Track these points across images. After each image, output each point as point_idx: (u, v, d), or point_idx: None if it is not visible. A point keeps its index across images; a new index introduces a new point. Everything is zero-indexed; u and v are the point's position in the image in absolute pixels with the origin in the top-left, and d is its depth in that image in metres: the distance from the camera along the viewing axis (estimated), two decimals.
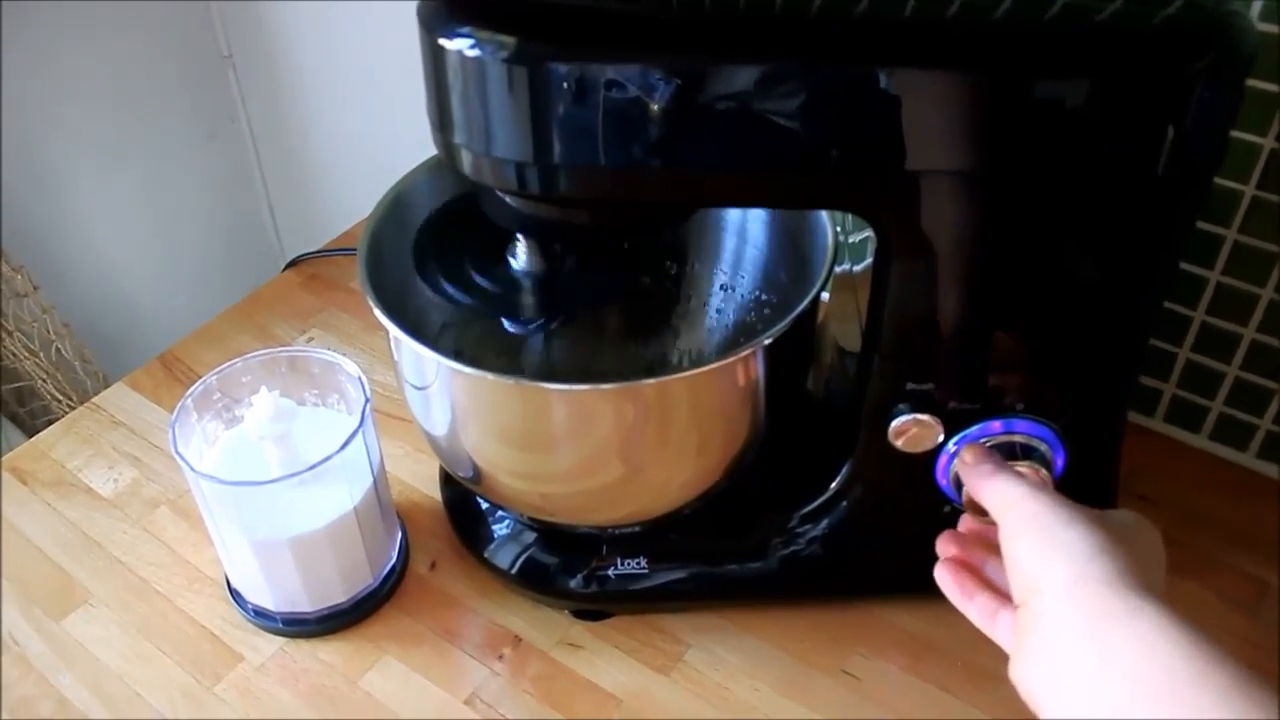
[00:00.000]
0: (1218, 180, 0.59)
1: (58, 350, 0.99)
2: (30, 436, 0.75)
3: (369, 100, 1.03)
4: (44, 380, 0.98)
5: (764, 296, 0.64)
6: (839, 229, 0.56)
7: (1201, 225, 0.61)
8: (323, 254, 0.88)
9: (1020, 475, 0.46)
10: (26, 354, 0.96)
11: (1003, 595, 0.45)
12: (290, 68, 1.07)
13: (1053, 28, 0.42)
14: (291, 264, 0.88)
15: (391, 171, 0.60)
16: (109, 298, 1.11)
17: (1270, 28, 0.54)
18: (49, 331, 0.98)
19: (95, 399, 0.75)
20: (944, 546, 0.49)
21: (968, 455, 0.49)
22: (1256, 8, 0.54)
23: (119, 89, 1.04)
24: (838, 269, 0.56)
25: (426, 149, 0.58)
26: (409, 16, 0.96)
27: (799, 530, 0.57)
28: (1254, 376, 0.64)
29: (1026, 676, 0.40)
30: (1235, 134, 0.57)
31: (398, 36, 0.95)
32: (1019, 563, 0.42)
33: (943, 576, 0.48)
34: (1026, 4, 0.42)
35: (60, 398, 0.99)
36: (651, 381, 0.48)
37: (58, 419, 0.82)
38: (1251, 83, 0.55)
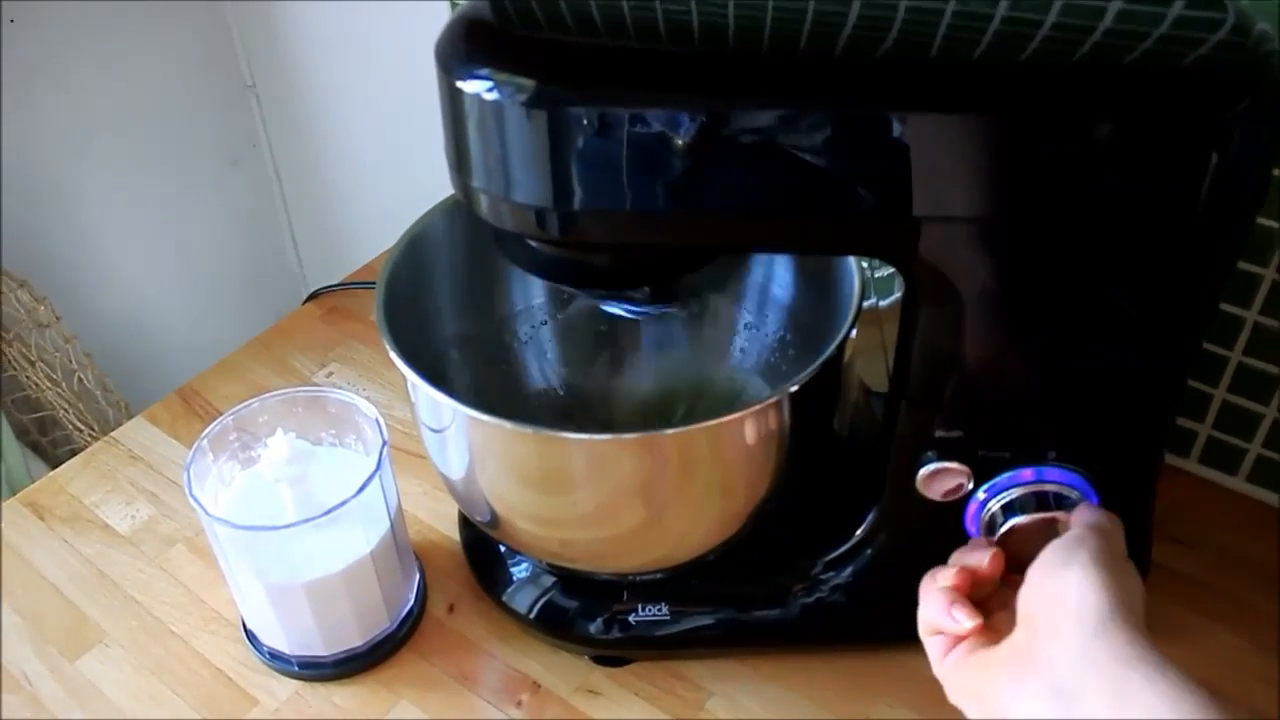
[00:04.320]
0: (1256, 220, 0.57)
1: (79, 380, 0.99)
2: (52, 466, 0.75)
3: (392, 130, 1.03)
4: (65, 410, 0.98)
5: (789, 336, 0.63)
6: (865, 265, 0.54)
7: (1240, 265, 0.59)
8: (344, 287, 0.87)
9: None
10: (49, 384, 0.96)
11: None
12: (313, 97, 1.07)
13: (1084, 69, 0.41)
14: (312, 296, 0.87)
15: (414, 201, 0.60)
16: (131, 327, 1.11)
17: None
18: (71, 361, 0.98)
19: (114, 433, 0.75)
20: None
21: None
22: None
23: (142, 119, 1.04)
24: (864, 304, 0.55)
25: (449, 180, 0.57)
26: (426, 46, 0.96)
27: (823, 577, 0.56)
28: None
29: (995, 685, 0.42)
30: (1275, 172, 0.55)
31: (421, 67, 0.95)
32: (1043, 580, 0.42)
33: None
34: (1054, 44, 0.41)
35: (81, 427, 0.99)
36: (673, 432, 0.47)
37: (79, 448, 0.82)
38: None
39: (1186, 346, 0.48)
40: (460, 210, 0.58)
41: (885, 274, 0.59)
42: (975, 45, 0.41)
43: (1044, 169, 0.41)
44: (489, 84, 0.41)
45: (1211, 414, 0.65)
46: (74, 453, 0.75)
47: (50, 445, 1.02)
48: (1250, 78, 0.40)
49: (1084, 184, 0.41)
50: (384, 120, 1.03)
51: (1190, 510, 0.65)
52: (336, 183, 1.14)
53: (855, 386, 0.60)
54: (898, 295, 0.49)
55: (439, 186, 0.57)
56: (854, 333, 0.51)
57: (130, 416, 0.78)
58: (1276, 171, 0.55)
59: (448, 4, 0.86)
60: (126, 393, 1.05)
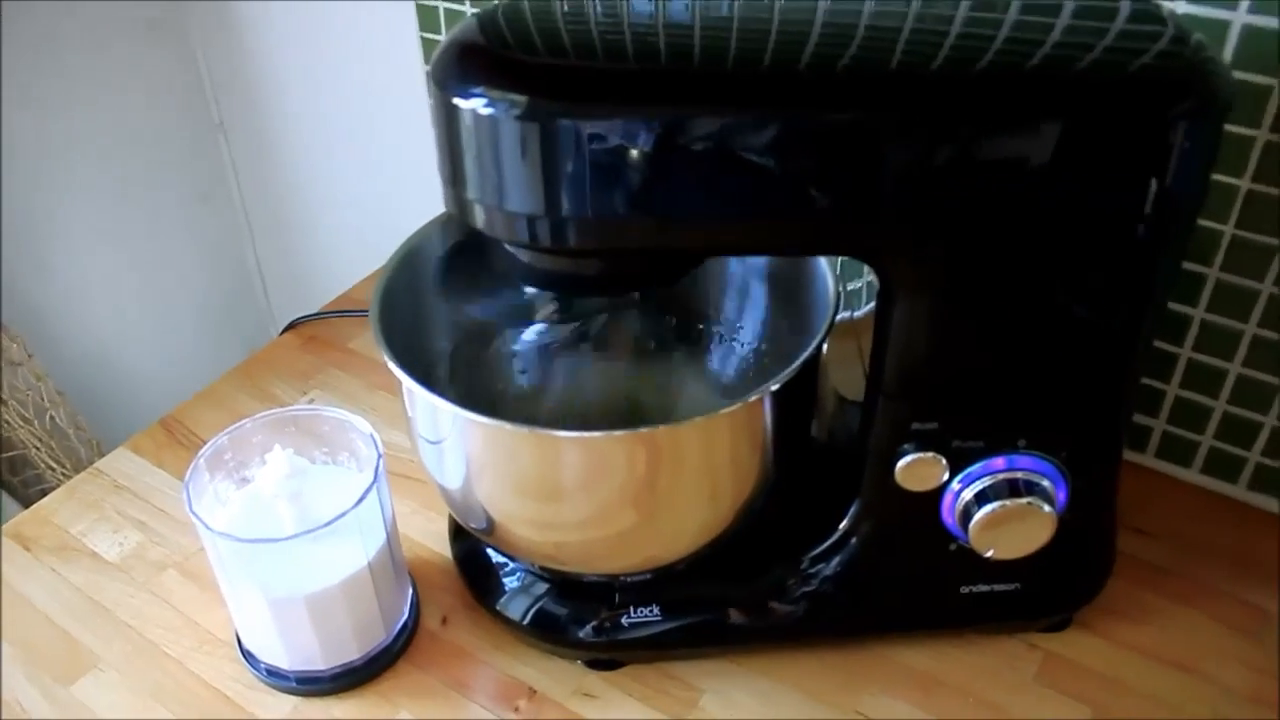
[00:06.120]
0: (1199, 221, 0.61)
1: (52, 418, 0.99)
2: (24, 505, 0.74)
3: (358, 167, 1.05)
4: (38, 449, 0.98)
5: (764, 348, 0.65)
6: (839, 277, 0.57)
7: (1185, 265, 0.63)
8: (321, 316, 0.89)
9: None
10: (21, 422, 0.96)
11: None
12: (280, 135, 1.09)
13: (1037, 77, 0.44)
14: (290, 326, 0.88)
15: (380, 237, 0.62)
16: (101, 364, 1.11)
17: (1243, 75, 0.56)
18: (43, 399, 0.98)
19: (98, 464, 0.75)
20: None
21: None
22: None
23: (111, 156, 1.05)
24: (839, 316, 0.57)
25: (416, 215, 0.60)
26: (400, 86, 0.98)
27: (811, 570, 0.58)
28: (1241, 410, 0.66)
29: None
30: (1214, 176, 0.59)
31: (388, 105, 0.98)
32: None
33: None
34: (1007, 55, 0.44)
35: (54, 466, 0.99)
36: (663, 428, 0.49)
37: (51, 487, 0.82)
38: (1228, 127, 0.57)
39: (1141, 337, 0.51)
40: (451, 226, 0.60)
41: (855, 287, 0.61)
42: (933, 58, 0.44)
43: (1002, 171, 0.44)
44: (484, 100, 0.43)
45: (1165, 409, 0.69)
46: (44, 493, 0.75)
47: (21, 485, 1.02)
48: (1191, 81, 0.44)
49: (1039, 186, 0.44)
50: (351, 158, 1.05)
51: (1150, 502, 0.68)
52: (303, 218, 1.15)
53: (831, 396, 0.63)
54: (871, 306, 0.52)
55: (405, 221, 0.59)
56: (826, 345, 0.53)
57: (102, 454, 0.78)
58: (1215, 177, 0.59)
59: (418, 47, 0.89)
60: (97, 431, 1.05)
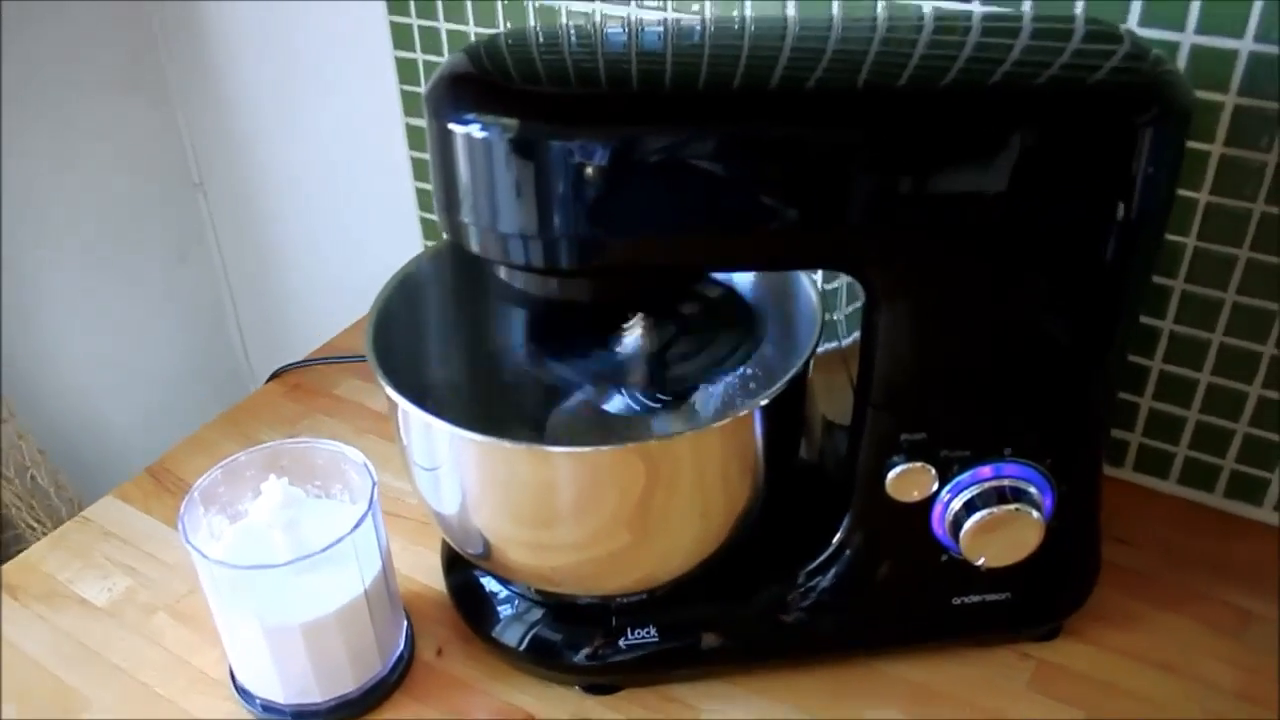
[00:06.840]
0: (1166, 233, 0.63)
1: (33, 477, 0.98)
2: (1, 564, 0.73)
3: (337, 223, 1.06)
4: (18, 508, 0.97)
5: (749, 371, 0.66)
6: (821, 293, 0.59)
7: (1153, 279, 0.65)
8: (307, 363, 0.89)
9: None
10: (2, 482, 0.95)
11: None
12: (259, 193, 1.10)
13: (1001, 91, 0.46)
14: (274, 375, 0.89)
15: (359, 292, 0.62)
16: (82, 423, 1.10)
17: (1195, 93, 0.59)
18: (24, 458, 0.97)
19: (84, 512, 0.75)
20: None
21: None
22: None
23: (92, 215, 1.06)
24: (827, 345, 0.59)
25: (394, 269, 0.61)
26: (378, 141, 1.00)
27: (806, 587, 0.59)
28: (1214, 419, 0.68)
29: None
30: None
31: (367, 162, 0.99)
32: None
33: None
34: (971, 73, 0.47)
35: (34, 525, 0.98)
36: (655, 442, 0.50)
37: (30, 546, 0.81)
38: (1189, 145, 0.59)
39: (1115, 344, 0.52)
40: (443, 258, 0.61)
41: (839, 318, 0.63)
42: (898, 77, 0.46)
43: (972, 185, 0.46)
44: (478, 125, 0.45)
45: (1140, 422, 0.70)
46: (23, 551, 0.74)
47: (1, 545, 1.00)
48: (1153, 90, 0.46)
49: (1009, 199, 0.46)
50: (329, 214, 1.07)
51: (1130, 513, 0.70)
52: (282, 275, 1.16)
53: (820, 421, 0.64)
54: (856, 335, 0.53)
55: (382, 276, 0.60)
56: (814, 371, 0.55)
57: (82, 510, 0.77)
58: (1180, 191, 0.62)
59: (398, 101, 0.91)
60: (78, 489, 1.05)
